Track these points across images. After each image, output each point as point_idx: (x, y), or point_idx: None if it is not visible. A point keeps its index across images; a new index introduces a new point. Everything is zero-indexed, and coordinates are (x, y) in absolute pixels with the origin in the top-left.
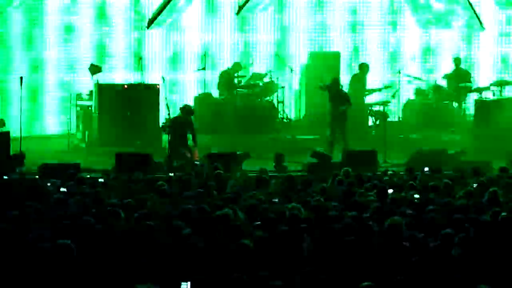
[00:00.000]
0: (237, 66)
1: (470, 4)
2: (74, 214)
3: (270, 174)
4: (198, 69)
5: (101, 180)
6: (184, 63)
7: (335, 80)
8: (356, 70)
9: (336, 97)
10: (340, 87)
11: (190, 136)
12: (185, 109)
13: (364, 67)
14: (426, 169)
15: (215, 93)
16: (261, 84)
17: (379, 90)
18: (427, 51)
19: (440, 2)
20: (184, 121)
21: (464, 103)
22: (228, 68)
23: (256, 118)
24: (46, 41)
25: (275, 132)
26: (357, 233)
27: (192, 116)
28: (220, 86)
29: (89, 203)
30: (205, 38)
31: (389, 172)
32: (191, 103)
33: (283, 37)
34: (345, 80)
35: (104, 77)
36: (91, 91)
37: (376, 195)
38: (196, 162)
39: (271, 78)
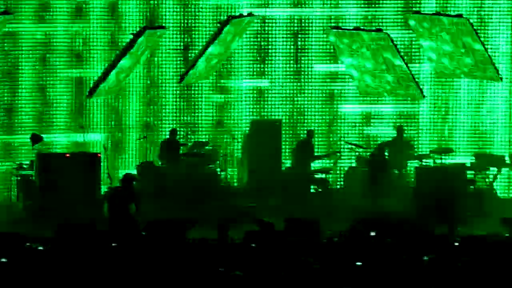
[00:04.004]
0: (174, 133)
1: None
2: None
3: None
4: (140, 138)
5: (42, 249)
6: (126, 132)
7: None
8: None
9: None
10: None
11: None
12: (126, 178)
13: (311, 133)
14: (373, 233)
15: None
16: (203, 152)
17: (326, 156)
18: (369, 119)
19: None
20: (125, 190)
21: (405, 170)
22: (166, 137)
23: (198, 186)
24: None
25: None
26: None
27: (134, 185)
28: (160, 155)
29: (30, 273)
30: (146, 105)
31: (334, 239)
32: (133, 172)
33: (225, 105)
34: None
35: (46, 146)
36: (32, 161)
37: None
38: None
39: (213, 146)
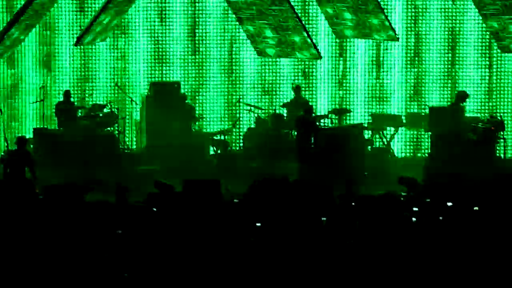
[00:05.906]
0: (68, 95)
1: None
2: None
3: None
4: (36, 101)
5: None
6: (22, 94)
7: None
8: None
9: None
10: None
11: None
12: (19, 141)
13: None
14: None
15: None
16: (101, 115)
17: (201, 117)
18: (268, 79)
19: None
20: (21, 153)
21: None
22: (61, 100)
23: (96, 149)
24: None
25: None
26: None
27: (30, 148)
28: (57, 117)
29: None
30: (43, 69)
31: (235, 201)
32: (30, 135)
33: (124, 67)
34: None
35: None
36: None
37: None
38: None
39: (111, 108)
